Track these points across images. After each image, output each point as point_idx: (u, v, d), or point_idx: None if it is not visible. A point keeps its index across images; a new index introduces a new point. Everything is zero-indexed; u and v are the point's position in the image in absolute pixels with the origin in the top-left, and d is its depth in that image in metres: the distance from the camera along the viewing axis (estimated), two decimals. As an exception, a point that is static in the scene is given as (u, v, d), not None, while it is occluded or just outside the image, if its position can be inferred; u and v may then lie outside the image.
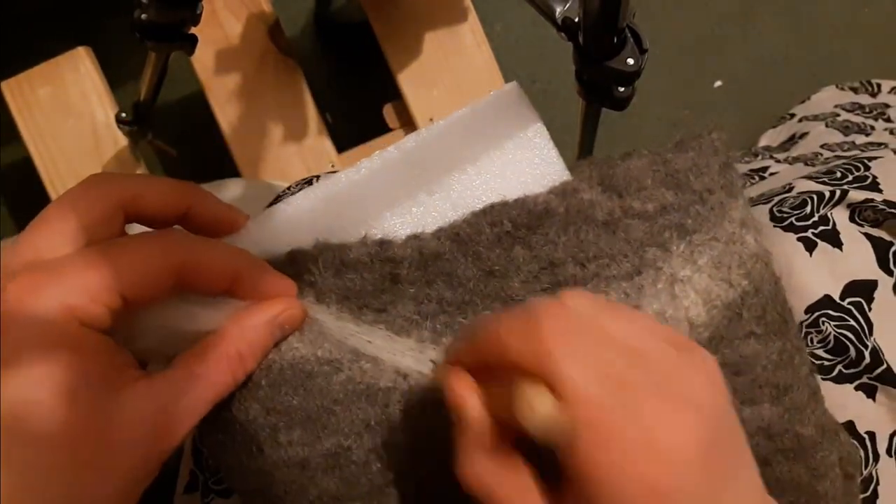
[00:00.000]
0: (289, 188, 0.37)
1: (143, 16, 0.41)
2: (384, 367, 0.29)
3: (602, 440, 0.21)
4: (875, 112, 0.72)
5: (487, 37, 0.72)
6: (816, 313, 0.38)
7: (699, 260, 0.30)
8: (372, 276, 0.29)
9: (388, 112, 0.73)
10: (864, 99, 0.76)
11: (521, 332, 0.23)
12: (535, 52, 0.91)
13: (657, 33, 0.93)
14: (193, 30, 0.45)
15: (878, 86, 0.78)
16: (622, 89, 0.39)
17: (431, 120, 0.70)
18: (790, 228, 0.40)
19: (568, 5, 0.39)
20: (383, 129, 0.73)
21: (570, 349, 0.22)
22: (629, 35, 0.36)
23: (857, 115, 0.72)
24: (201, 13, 0.43)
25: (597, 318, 0.24)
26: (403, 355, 0.29)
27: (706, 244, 0.30)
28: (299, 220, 0.30)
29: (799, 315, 0.38)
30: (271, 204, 0.35)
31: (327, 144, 0.71)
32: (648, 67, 0.37)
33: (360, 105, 0.88)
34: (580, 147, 0.51)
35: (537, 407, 0.21)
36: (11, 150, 0.84)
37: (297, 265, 0.29)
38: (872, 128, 0.67)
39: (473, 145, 0.31)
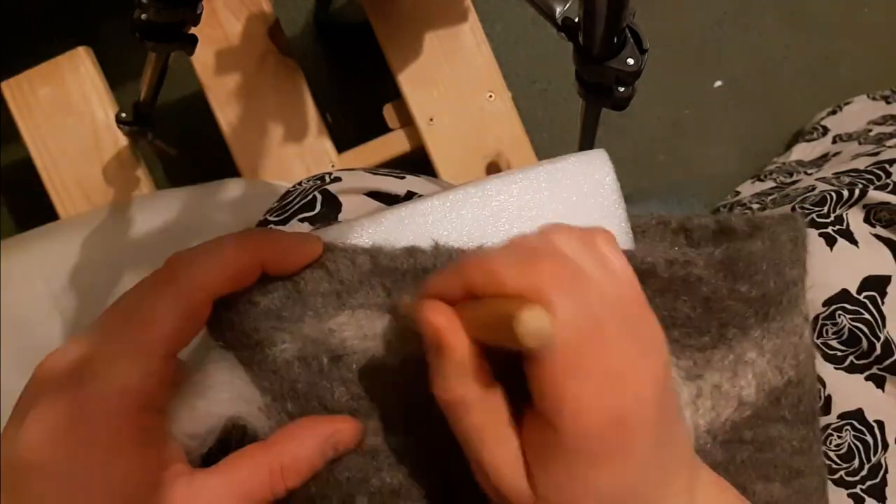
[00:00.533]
0: (299, 183, 0.37)
1: (143, 16, 0.41)
2: None
3: (578, 367, 0.23)
4: None
5: (487, 37, 0.72)
6: (833, 306, 0.39)
7: (766, 346, 0.32)
8: None
9: (388, 112, 0.73)
10: None
11: (520, 268, 0.24)
12: (535, 52, 0.91)
13: (657, 33, 0.93)
14: (193, 30, 0.45)
15: None
16: (622, 89, 0.39)
17: (431, 120, 0.71)
18: (812, 224, 0.42)
19: (568, 5, 0.39)
20: (383, 129, 0.73)
21: (561, 286, 0.23)
22: (629, 35, 0.36)
23: (890, 124, 0.72)
24: (201, 13, 0.43)
25: (583, 262, 0.25)
26: None
27: (776, 332, 0.32)
28: (405, 225, 0.32)
29: (816, 308, 0.39)
30: (280, 201, 0.35)
31: (327, 144, 0.71)
32: (648, 67, 0.37)
33: (360, 105, 0.88)
34: (580, 147, 0.51)
35: (535, 326, 0.22)
36: (11, 150, 0.84)
37: (414, 261, 0.30)
38: None
39: (559, 199, 0.32)
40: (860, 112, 0.79)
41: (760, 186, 0.73)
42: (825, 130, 0.80)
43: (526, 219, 0.32)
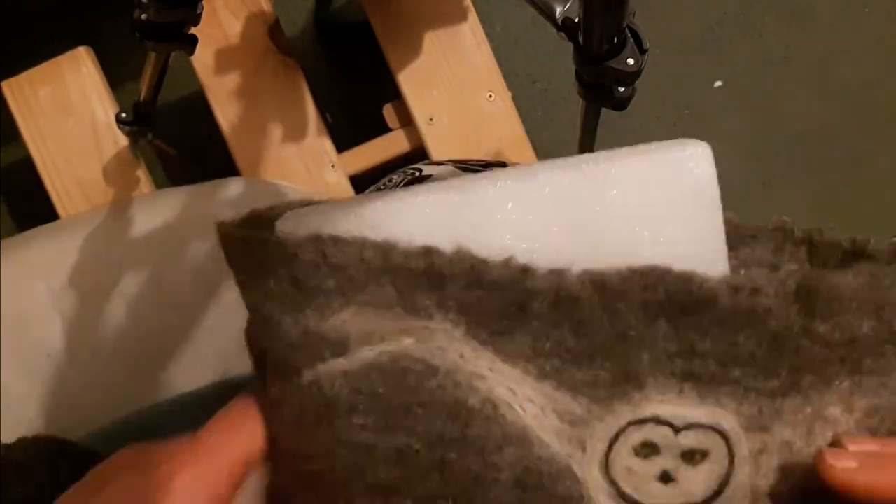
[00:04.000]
0: (389, 179, 0.36)
1: (143, 16, 0.41)
2: (479, 387, 0.27)
3: None
4: None
5: (487, 37, 0.72)
6: None
7: (856, 403, 0.28)
8: (501, 300, 0.27)
9: (388, 112, 0.73)
10: None
11: None
12: (535, 52, 0.91)
13: (657, 33, 0.93)
14: (193, 30, 0.45)
15: None
16: (622, 89, 0.39)
17: (431, 120, 0.71)
18: None
19: (568, 5, 0.39)
20: (383, 129, 0.73)
21: None
22: (629, 35, 0.36)
23: None
24: (201, 13, 0.43)
25: None
26: (500, 384, 0.28)
27: (872, 389, 0.28)
28: (430, 216, 0.28)
29: None
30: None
31: (327, 144, 0.71)
32: (649, 67, 0.37)
33: (360, 105, 0.88)
34: (580, 147, 0.51)
35: None
36: (11, 150, 0.84)
37: (430, 263, 0.28)
38: None
39: (637, 197, 0.28)
40: None
41: None
42: None
43: (595, 215, 0.28)
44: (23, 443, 0.42)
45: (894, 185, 0.94)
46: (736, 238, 0.30)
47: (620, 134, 0.91)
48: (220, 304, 0.61)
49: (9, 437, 0.51)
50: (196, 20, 0.43)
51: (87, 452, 0.44)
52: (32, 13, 0.86)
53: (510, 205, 0.28)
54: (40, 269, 0.62)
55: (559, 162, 0.28)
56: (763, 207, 0.91)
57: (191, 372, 0.60)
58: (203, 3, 0.42)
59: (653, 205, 0.28)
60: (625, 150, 0.29)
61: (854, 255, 0.29)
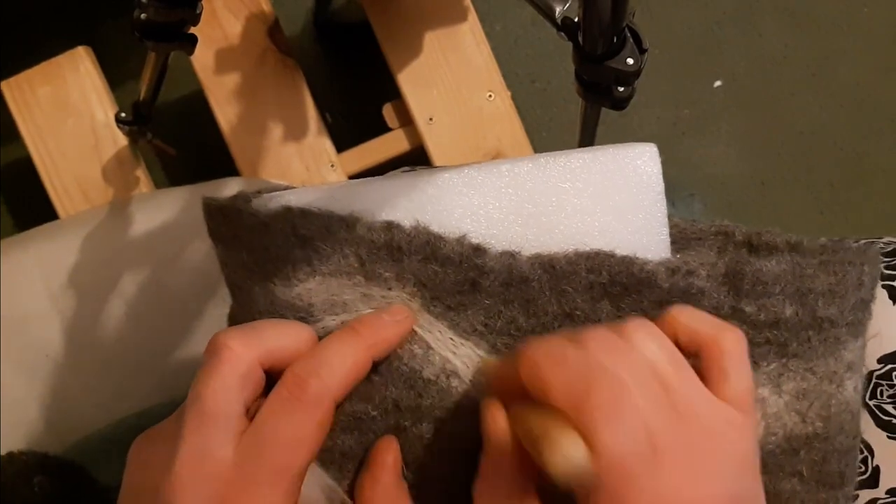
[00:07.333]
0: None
1: (143, 15, 0.41)
2: (434, 360, 0.29)
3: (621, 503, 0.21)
4: None
5: (487, 36, 0.72)
6: (890, 365, 0.36)
7: (784, 385, 0.29)
8: (455, 276, 0.29)
9: (388, 112, 0.73)
10: None
11: (569, 384, 0.22)
12: (535, 52, 0.91)
13: (657, 33, 0.93)
14: (193, 30, 0.45)
15: None
16: (622, 89, 0.39)
17: (431, 119, 0.71)
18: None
19: (568, 5, 0.39)
20: (383, 128, 0.73)
21: (613, 408, 0.22)
22: (629, 35, 0.36)
23: None
24: (201, 13, 0.43)
25: (655, 370, 0.23)
26: (455, 356, 0.29)
27: (799, 373, 0.29)
28: (395, 196, 0.30)
29: (871, 363, 0.36)
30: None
31: (327, 144, 0.71)
32: (648, 67, 0.37)
33: (360, 105, 0.88)
34: (580, 147, 0.51)
35: (570, 458, 0.21)
36: (11, 150, 0.84)
37: (390, 236, 0.29)
38: None
39: (588, 190, 0.30)
40: None
41: None
42: None
43: (549, 205, 0.30)
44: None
45: (894, 185, 0.94)
46: (682, 240, 0.31)
47: (620, 134, 0.91)
48: (220, 305, 0.61)
49: (9, 437, 0.52)
50: (196, 20, 0.43)
51: (67, 464, 0.44)
52: (32, 13, 0.86)
53: (472, 192, 0.30)
54: (40, 269, 0.62)
55: (521, 158, 0.30)
56: (762, 207, 0.92)
57: (190, 372, 0.60)
58: (203, 3, 0.42)
59: (602, 198, 0.30)
60: (581, 150, 0.31)
61: (790, 254, 0.31)
